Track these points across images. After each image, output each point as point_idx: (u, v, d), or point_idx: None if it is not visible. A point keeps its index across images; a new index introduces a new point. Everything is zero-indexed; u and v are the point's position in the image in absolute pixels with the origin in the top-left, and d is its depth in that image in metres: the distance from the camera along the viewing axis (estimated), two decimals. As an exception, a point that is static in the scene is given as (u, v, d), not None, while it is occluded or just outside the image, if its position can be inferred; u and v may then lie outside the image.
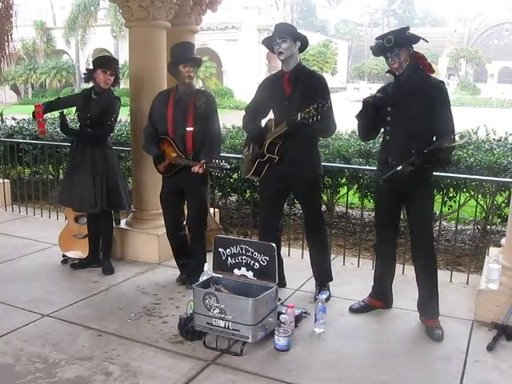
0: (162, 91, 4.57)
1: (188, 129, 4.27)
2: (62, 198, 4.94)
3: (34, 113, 4.72)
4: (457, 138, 3.71)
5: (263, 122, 4.26)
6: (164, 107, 4.36)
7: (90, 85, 4.73)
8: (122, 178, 4.97)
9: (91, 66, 4.67)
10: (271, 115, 4.19)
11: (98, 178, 4.64)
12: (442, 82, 3.67)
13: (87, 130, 4.70)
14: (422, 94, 3.56)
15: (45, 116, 4.92)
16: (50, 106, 4.91)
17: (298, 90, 3.96)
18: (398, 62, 3.57)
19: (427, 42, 3.97)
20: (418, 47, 3.81)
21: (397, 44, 3.53)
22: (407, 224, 3.99)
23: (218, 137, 4.47)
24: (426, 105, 3.54)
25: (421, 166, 3.45)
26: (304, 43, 4.04)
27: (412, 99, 3.58)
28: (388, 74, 3.72)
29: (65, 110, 4.86)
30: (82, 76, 4.87)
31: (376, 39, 3.67)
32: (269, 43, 4.06)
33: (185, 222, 4.60)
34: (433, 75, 3.67)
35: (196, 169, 4.14)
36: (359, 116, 3.80)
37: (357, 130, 4.13)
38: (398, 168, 3.51)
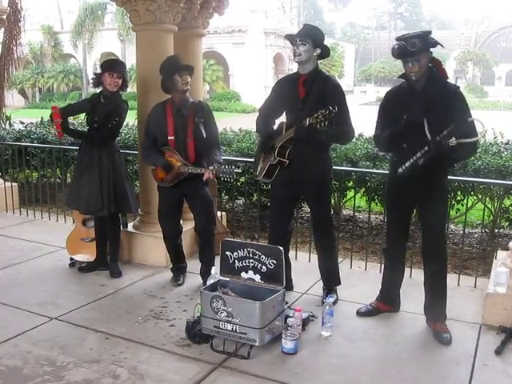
0: (156, 105, 4.50)
1: (189, 140, 4.31)
2: (70, 201, 4.96)
3: (51, 115, 4.68)
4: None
5: (277, 122, 4.22)
6: (163, 119, 4.35)
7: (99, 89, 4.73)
8: (129, 181, 4.97)
9: (99, 70, 4.69)
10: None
11: (105, 181, 4.65)
12: (458, 87, 3.58)
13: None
14: (440, 101, 3.43)
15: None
16: (64, 113, 4.85)
17: (312, 93, 3.92)
18: (418, 66, 3.42)
19: (443, 46, 3.78)
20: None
21: (420, 49, 3.38)
22: (420, 227, 3.93)
23: (219, 143, 4.54)
24: (443, 113, 3.41)
25: (438, 150, 3.30)
26: (324, 52, 3.95)
27: (429, 108, 3.45)
28: (396, 77, 3.65)
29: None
30: (91, 81, 4.87)
31: (397, 40, 3.48)
32: (291, 40, 3.96)
33: (192, 228, 4.59)
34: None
35: (206, 175, 4.15)
36: (397, 133, 3.58)
37: (378, 141, 3.89)
38: (417, 155, 3.36)
